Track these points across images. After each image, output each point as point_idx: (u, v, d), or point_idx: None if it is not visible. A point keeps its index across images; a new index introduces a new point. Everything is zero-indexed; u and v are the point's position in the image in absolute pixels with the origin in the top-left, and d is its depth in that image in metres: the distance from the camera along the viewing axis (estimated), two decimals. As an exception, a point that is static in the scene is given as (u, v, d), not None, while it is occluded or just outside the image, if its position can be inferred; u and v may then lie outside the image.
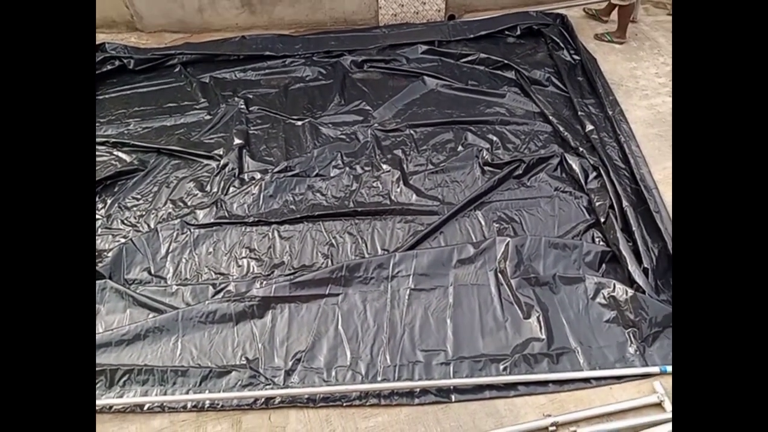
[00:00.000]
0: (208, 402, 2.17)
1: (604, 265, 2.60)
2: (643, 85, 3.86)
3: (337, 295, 2.51)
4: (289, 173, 3.26)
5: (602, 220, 2.77)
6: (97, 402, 2.17)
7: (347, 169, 3.29)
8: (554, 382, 2.17)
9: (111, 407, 2.17)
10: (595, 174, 3.02)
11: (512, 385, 2.17)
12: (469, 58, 4.20)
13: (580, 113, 3.52)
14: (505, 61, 4.07)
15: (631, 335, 2.27)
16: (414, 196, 3.05)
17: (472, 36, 4.47)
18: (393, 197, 3.07)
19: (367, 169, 3.28)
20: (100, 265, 2.75)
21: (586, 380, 2.17)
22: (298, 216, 2.97)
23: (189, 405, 2.17)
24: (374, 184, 3.17)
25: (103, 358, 2.32)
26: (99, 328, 2.49)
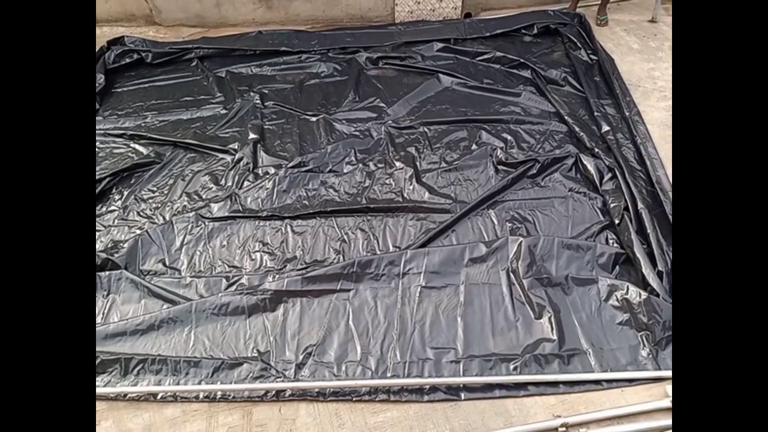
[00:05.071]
0: (219, 393, 2.20)
1: (617, 267, 2.58)
2: (661, 87, 3.81)
3: (349, 290, 2.53)
4: (303, 169, 3.27)
5: (617, 221, 2.74)
6: (112, 389, 2.21)
7: (360, 165, 3.29)
8: (565, 383, 2.16)
9: (125, 395, 2.21)
10: (610, 175, 2.99)
11: (522, 385, 2.16)
12: (485, 57, 4.18)
13: (596, 114, 3.49)
14: (522, 60, 4.04)
15: (644, 338, 2.26)
16: (427, 193, 3.05)
17: (488, 34, 4.44)
18: (405, 194, 3.07)
19: (380, 165, 3.29)
20: (116, 255, 2.79)
21: (597, 382, 2.16)
22: (311, 211, 2.99)
23: (201, 395, 2.21)
24: (387, 181, 3.17)
25: (117, 347, 2.36)
26: (114, 318, 2.53)
